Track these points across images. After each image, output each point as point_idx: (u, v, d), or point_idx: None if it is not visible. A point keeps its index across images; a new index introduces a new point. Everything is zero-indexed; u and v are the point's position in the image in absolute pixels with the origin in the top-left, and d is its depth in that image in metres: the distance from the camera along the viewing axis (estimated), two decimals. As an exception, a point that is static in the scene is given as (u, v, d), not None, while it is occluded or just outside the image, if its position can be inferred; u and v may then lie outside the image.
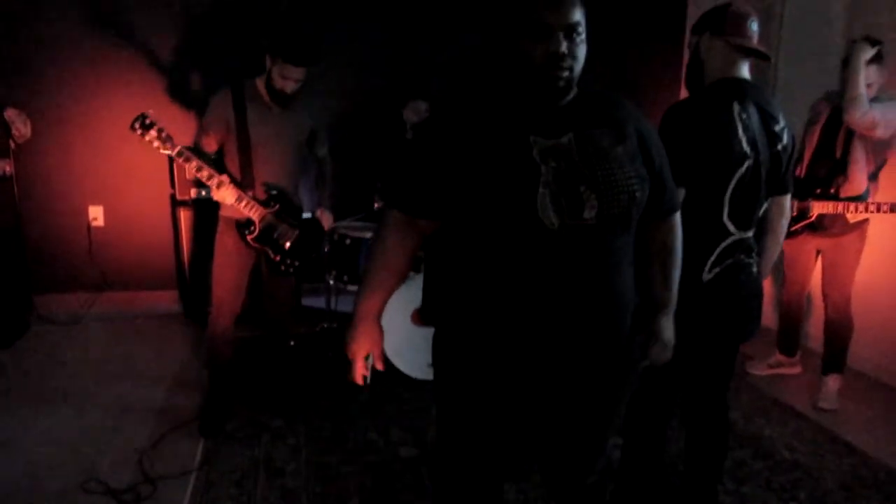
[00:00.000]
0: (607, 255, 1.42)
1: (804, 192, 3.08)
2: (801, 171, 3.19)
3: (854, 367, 3.57)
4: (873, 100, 2.88)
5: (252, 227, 2.76)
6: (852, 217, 3.01)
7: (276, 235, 2.83)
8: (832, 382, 3.21)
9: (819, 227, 3.09)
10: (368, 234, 3.58)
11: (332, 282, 3.71)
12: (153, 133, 2.52)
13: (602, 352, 1.49)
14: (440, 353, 1.57)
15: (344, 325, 3.93)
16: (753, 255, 1.99)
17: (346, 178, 4.49)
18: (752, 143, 1.86)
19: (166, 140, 2.55)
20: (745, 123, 1.85)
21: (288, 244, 2.88)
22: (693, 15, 4.76)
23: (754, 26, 1.93)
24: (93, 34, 4.00)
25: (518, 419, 1.56)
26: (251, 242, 2.77)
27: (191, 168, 2.59)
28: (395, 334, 3.28)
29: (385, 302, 1.57)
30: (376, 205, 3.80)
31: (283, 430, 2.87)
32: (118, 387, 3.24)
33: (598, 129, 1.42)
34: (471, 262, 1.44)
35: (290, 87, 2.69)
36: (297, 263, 2.94)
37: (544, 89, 1.37)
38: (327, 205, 3.12)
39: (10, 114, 3.69)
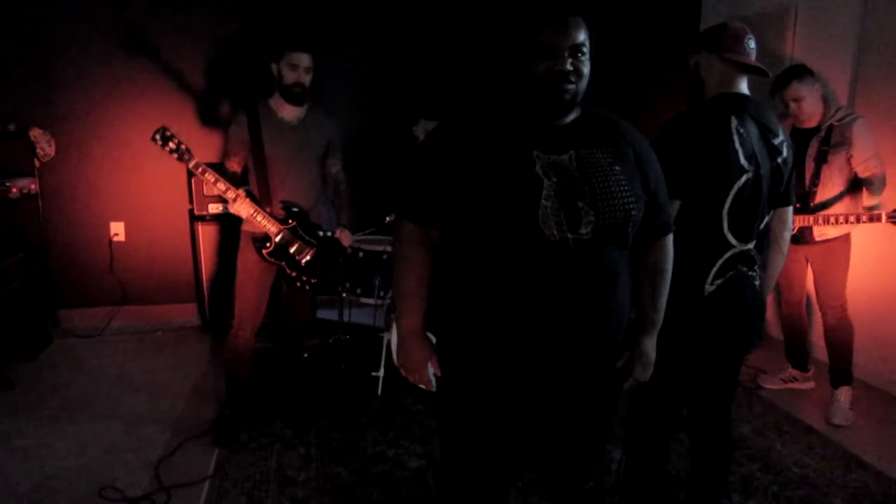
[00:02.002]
0: (603, 268, 1.47)
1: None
2: None
3: (865, 381, 3.55)
4: (843, 119, 3.04)
5: (268, 243, 2.81)
6: (833, 231, 3.12)
7: (292, 251, 2.87)
8: (843, 396, 3.19)
9: (801, 239, 3.17)
10: (381, 248, 3.64)
11: (345, 294, 3.77)
12: (172, 145, 2.61)
13: (596, 361, 1.55)
14: (443, 362, 1.60)
15: (357, 337, 4.01)
16: (756, 267, 2.00)
17: (357, 192, 4.58)
18: (751, 156, 1.88)
19: (185, 153, 2.63)
20: (742, 137, 1.88)
21: (304, 261, 2.92)
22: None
23: (752, 44, 1.98)
24: (115, 56, 4.12)
25: (518, 427, 1.60)
26: (266, 257, 2.82)
27: (208, 181, 2.66)
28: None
29: (424, 314, 1.59)
30: (388, 219, 3.86)
31: (294, 440, 2.92)
32: (136, 397, 3.32)
33: (598, 149, 1.48)
34: (473, 272, 1.49)
35: (301, 76, 2.75)
36: (313, 280, 2.97)
37: (549, 105, 1.44)
38: (345, 223, 3.13)
39: (35, 134, 3.83)
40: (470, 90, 4.65)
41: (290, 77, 2.75)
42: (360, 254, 3.66)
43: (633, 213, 1.47)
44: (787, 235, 2.13)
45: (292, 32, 2.74)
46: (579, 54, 1.41)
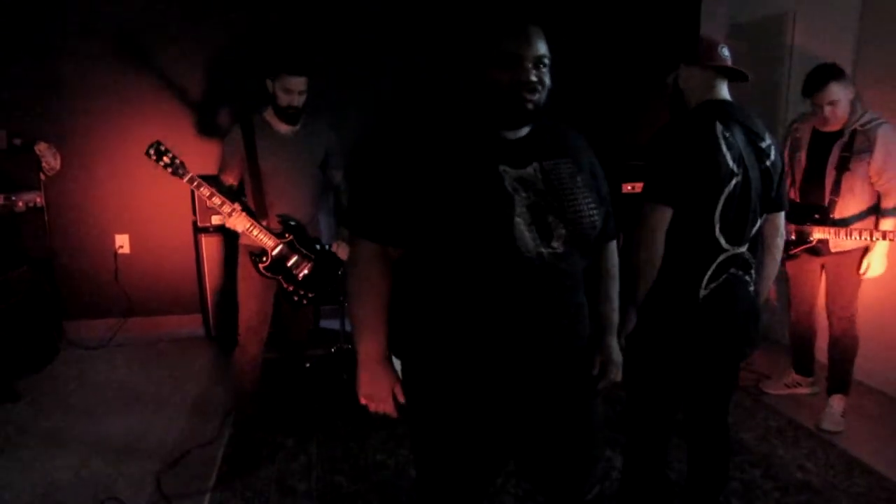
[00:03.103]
0: (574, 280, 1.49)
1: (802, 217, 3.09)
2: (794, 195, 3.19)
3: (868, 384, 3.53)
4: (867, 124, 2.91)
5: (265, 257, 2.78)
6: (851, 244, 3.00)
7: (289, 265, 2.83)
8: (836, 403, 3.16)
9: (818, 252, 3.09)
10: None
11: (346, 303, 3.78)
12: (166, 159, 2.61)
13: (570, 368, 1.55)
14: (413, 385, 1.54)
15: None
16: (751, 272, 2.00)
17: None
18: (739, 160, 1.89)
19: (179, 167, 2.62)
20: (728, 142, 1.89)
21: (301, 275, 2.87)
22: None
23: (725, 52, 2.01)
24: (118, 71, 4.17)
25: (497, 443, 1.56)
26: (263, 271, 2.79)
27: (203, 195, 2.64)
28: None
29: (387, 337, 1.53)
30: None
31: (296, 449, 2.93)
32: (140, 408, 3.34)
33: (559, 160, 1.48)
34: (443, 291, 1.45)
35: (295, 100, 2.73)
36: (310, 295, 2.93)
37: (512, 116, 1.42)
38: (344, 235, 3.03)
39: (41, 148, 3.89)
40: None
41: (283, 99, 2.73)
42: (362, 263, 3.68)
43: (598, 223, 1.50)
44: (780, 242, 2.14)
45: (288, 53, 2.71)
46: (541, 65, 1.41)
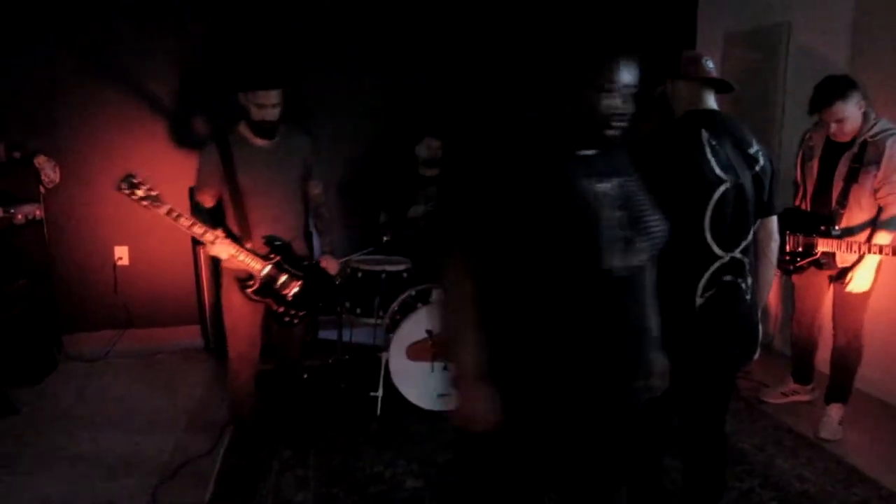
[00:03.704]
0: (651, 295, 1.53)
1: (810, 228, 3.07)
2: (806, 205, 3.19)
3: (866, 392, 3.52)
4: (878, 135, 2.88)
5: (252, 281, 2.67)
6: (855, 258, 2.95)
7: (277, 287, 2.73)
8: (834, 412, 3.15)
9: (823, 265, 3.06)
10: (380, 268, 3.66)
11: (344, 315, 3.79)
12: (140, 192, 2.48)
13: (646, 383, 1.57)
14: (514, 410, 1.45)
15: (356, 356, 4.01)
16: (747, 279, 2.00)
17: (357, 213, 4.62)
18: (727, 167, 1.91)
19: (154, 199, 2.50)
20: (715, 149, 1.91)
21: (291, 295, 2.77)
22: (702, 48, 4.83)
23: (709, 64, 2.06)
24: (116, 84, 4.21)
25: (571, 460, 1.56)
26: (251, 296, 2.69)
27: (183, 226, 2.51)
28: (405, 365, 3.35)
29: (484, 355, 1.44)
30: (385, 238, 3.89)
31: (292, 461, 2.93)
32: (138, 421, 3.34)
33: (626, 177, 1.52)
34: (532, 309, 1.43)
35: (269, 114, 2.62)
36: (301, 314, 2.83)
37: (599, 140, 1.46)
38: (330, 250, 2.98)
39: (40, 161, 3.91)
40: (472, 109, 4.70)
41: (257, 114, 2.61)
42: (359, 274, 3.69)
43: (665, 237, 1.52)
44: (774, 246, 2.14)
45: (258, 66, 2.66)
46: (632, 96, 1.46)
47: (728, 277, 1.95)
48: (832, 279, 3.15)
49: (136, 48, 4.21)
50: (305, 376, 3.52)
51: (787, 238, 3.11)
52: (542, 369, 1.44)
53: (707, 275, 1.93)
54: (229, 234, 2.63)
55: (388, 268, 3.69)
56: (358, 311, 3.69)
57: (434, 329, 3.37)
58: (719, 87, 2.06)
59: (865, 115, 2.92)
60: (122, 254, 4.40)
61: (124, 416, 3.40)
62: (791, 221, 3.11)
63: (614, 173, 1.49)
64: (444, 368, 3.39)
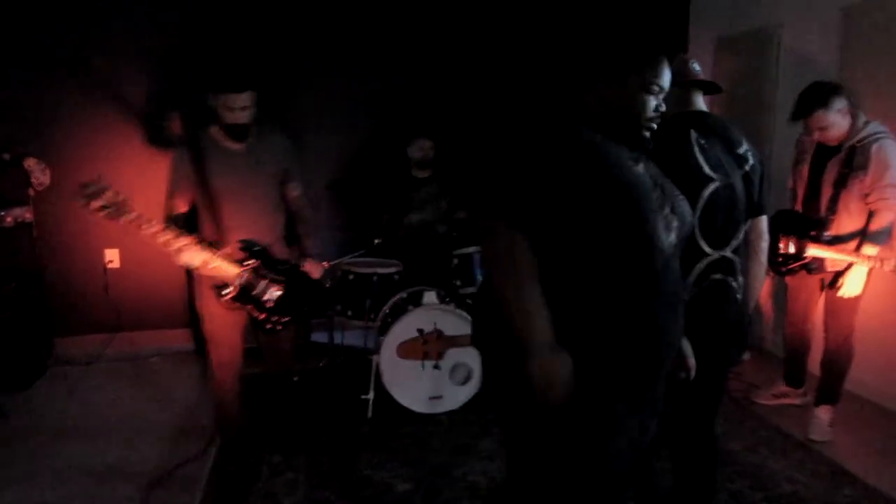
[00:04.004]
0: (680, 282, 1.57)
1: (802, 232, 3.07)
2: (799, 208, 3.20)
3: (857, 393, 3.53)
4: (865, 140, 2.87)
5: (228, 288, 2.55)
6: (836, 265, 2.97)
7: (256, 293, 2.61)
8: (823, 414, 3.16)
9: (813, 269, 3.06)
10: (371, 270, 3.66)
11: (335, 317, 3.78)
12: (101, 202, 2.28)
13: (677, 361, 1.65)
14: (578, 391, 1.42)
15: (348, 359, 4.00)
16: (738, 278, 2.01)
17: (348, 215, 4.62)
18: (716, 166, 1.93)
19: (118, 206, 2.31)
20: (703, 148, 1.93)
21: (272, 301, 2.66)
22: (694, 52, 4.84)
23: (696, 66, 2.10)
24: (107, 87, 4.19)
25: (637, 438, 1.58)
26: (229, 304, 2.57)
27: (147, 234, 2.35)
28: (396, 368, 3.35)
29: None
30: (376, 241, 3.88)
31: (282, 465, 2.92)
32: (128, 425, 3.32)
33: (651, 163, 1.59)
34: (586, 283, 1.45)
35: (240, 117, 2.52)
36: (284, 320, 2.72)
37: (638, 139, 1.54)
38: (312, 252, 2.87)
39: (30, 163, 3.88)
40: (465, 111, 4.71)
41: (227, 118, 2.52)
42: (351, 276, 3.69)
43: (690, 221, 1.60)
44: (765, 245, 2.15)
45: (227, 67, 2.54)
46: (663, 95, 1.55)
47: (718, 276, 1.96)
48: (824, 286, 3.16)
49: (124, 50, 4.19)
50: (296, 379, 3.50)
51: (780, 240, 3.12)
52: (598, 343, 1.44)
53: (696, 272, 1.95)
54: (203, 241, 2.48)
55: (380, 270, 3.69)
56: (349, 313, 3.68)
57: (425, 327, 3.37)
58: (707, 88, 2.08)
59: (854, 120, 2.92)
60: (112, 257, 4.38)
61: (114, 421, 3.38)
62: (785, 223, 3.12)
63: (641, 158, 1.55)
64: (435, 367, 3.39)
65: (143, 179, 4.17)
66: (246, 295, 2.59)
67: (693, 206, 1.89)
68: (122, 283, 4.40)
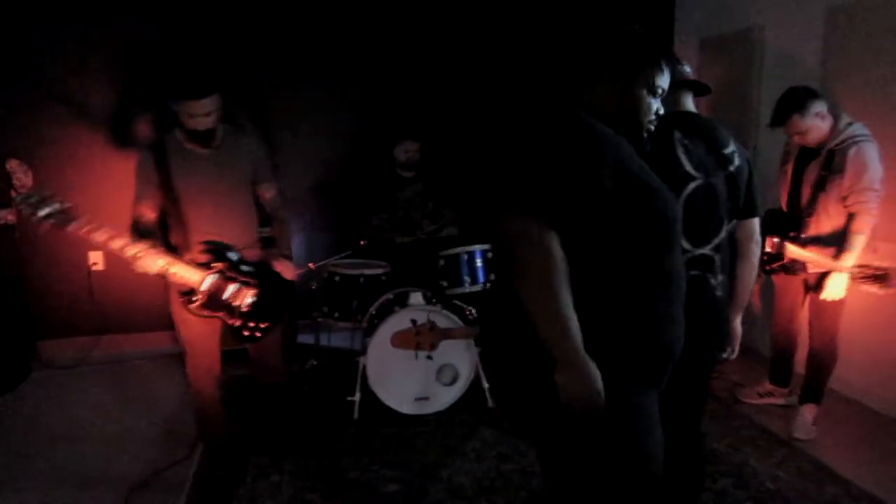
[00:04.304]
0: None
1: (784, 232, 3.11)
2: (784, 208, 3.23)
3: (842, 392, 3.56)
4: (843, 143, 2.90)
5: (195, 295, 2.43)
6: (819, 266, 2.99)
7: (226, 298, 2.49)
8: (807, 412, 3.18)
9: (790, 269, 3.09)
10: (357, 272, 3.65)
11: (321, 319, 3.77)
12: (42, 213, 2.17)
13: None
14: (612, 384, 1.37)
15: (334, 361, 3.99)
16: (717, 275, 2.02)
17: (334, 216, 4.61)
18: (699, 165, 1.96)
19: (60, 214, 2.20)
20: (687, 148, 1.96)
21: (246, 305, 2.53)
22: (678, 53, 4.87)
23: (686, 68, 2.13)
24: (89, 88, 4.17)
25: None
26: (197, 311, 2.44)
27: (98, 241, 2.25)
28: (383, 370, 3.34)
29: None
30: (362, 242, 3.87)
31: (268, 467, 2.90)
32: (112, 428, 3.30)
33: (644, 162, 1.59)
34: (624, 284, 1.42)
35: (202, 123, 2.42)
36: (262, 325, 2.59)
37: (638, 139, 1.54)
38: (286, 253, 2.76)
39: (12, 164, 3.86)
40: (451, 112, 4.72)
41: (189, 123, 2.42)
42: (337, 278, 3.68)
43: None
44: (755, 248, 2.16)
45: (187, 74, 2.42)
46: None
47: (695, 272, 1.98)
48: (808, 288, 3.19)
49: (109, 55, 4.17)
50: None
51: (766, 239, 3.16)
52: (624, 338, 1.42)
53: None
54: (159, 246, 2.37)
55: (367, 272, 3.68)
56: (336, 315, 3.67)
57: (419, 319, 3.36)
58: (696, 89, 2.12)
59: (835, 122, 2.95)
60: (96, 259, 4.34)
61: (98, 424, 3.36)
62: (771, 223, 3.16)
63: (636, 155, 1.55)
64: (428, 358, 3.37)
65: (128, 181, 4.17)
66: (215, 301, 2.47)
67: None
68: (107, 285, 4.36)
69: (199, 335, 2.58)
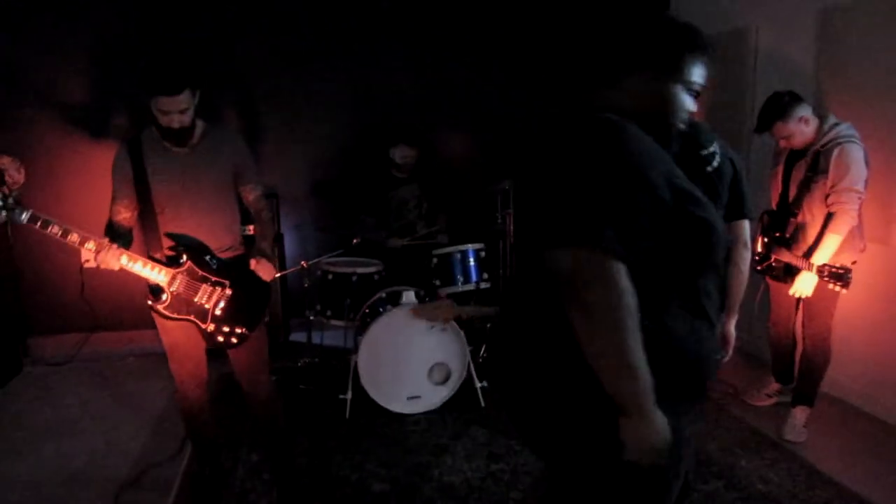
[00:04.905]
0: None
1: (770, 231, 3.13)
2: (773, 208, 3.23)
3: (834, 395, 3.56)
4: (828, 144, 2.91)
5: (163, 295, 2.30)
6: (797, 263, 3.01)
7: (196, 300, 2.34)
8: (799, 414, 3.18)
9: (774, 271, 3.12)
10: (350, 270, 3.65)
11: (313, 317, 3.76)
12: None
13: None
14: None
15: (326, 359, 3.98)
16: None
17: (330, 215, 4.61)
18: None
19: (8, 207, 2.10)
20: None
21: (219, 308, 2.37)
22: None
23: None
24: (83, 83, 4.16)
25: None
26: (165, 313, 2.31)
27: (54, 234, 2.14)
28: (375, 368, 3.33)
29: None
30: (355, 241, 3.87)
31: (259, 464, 2.89)
32: (101, 426, 3.29)
33: None
34: (680, 302, 1.31)
35: (175, 121, 2.25)
36: (239, 330, 2.40)
37: (669, 136, 1.39)
38: (265, 253, 2.53)
39: (5, 161, 3.81)
40: (448, 114, 4.71)
41: (163, 120, 2.25)
42: (330, 276, 3.67)
43: None
44: (746, 254, 2.15)
45: (158, 67, 2.21)
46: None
47: None
48: (773, 278, 3.21)
49: (105, 49, 4.15)
50: (274, 379, 3.47)
51: (758, 239, 3.19)
52: (683, 357, 1.30)
53: None
54: (116, 242, 2.25)
55: (360, 270, 3.67)
56: (329, 313, 3.66)
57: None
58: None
59: (821, 123, 2.96)
60: (89, 257, 4.30)
61: (88, 421, 3.34)
62: (768, 224, 3.20)
63: None
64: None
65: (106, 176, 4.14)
66: (184, 302, 2.33)
67: None
68: (98, 283, 4.34)
69: (179, 339, 2.43)
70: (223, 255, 2.43)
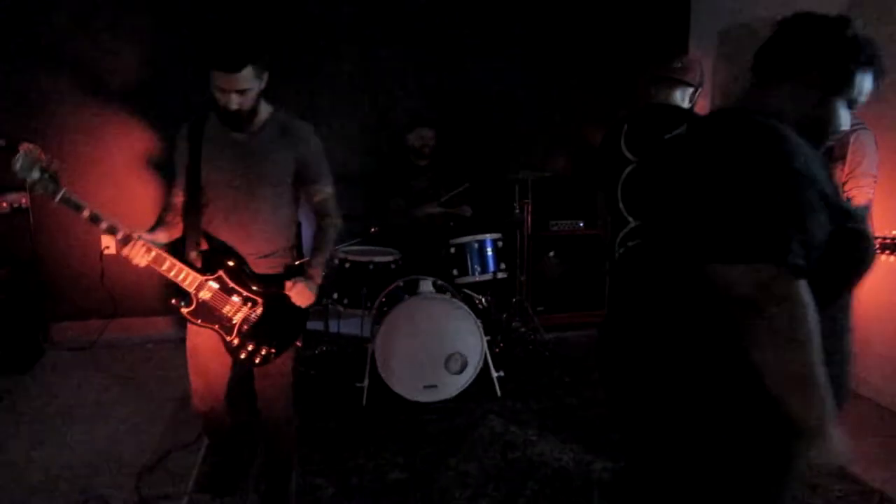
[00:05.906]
0: None
1: None
2: None
3: (856, 391, 3.51)
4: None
5: (189, 300, 2.17)
6: None
7: (223, 312, 2.19)
8: None
9: None
10: (367, 259, 3.65)
11: (331, 305, 3.77)
12: (35, 175, 1.98)
13: None
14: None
15: (343, 347, 3.99)
16: None
17: (346, 203, 4.59)
18: (635, 149, 2.38)
19: (48, 182, 2.01)
20: (627, 136, 2.41)
21: (250, 324, 2.21)
22: (695, 46, 4.82)
23: (676, 64, 2.51)
24: (104, 72, 4.17)
25: None
26: (190, 318, 2.19)
27: (83, 218, 2.05)
28: (391, 357, 3.34)
29: None
30: (373, 229, 3.86)
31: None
32: (123, 409, 3.33)
33: None
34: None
35: (232, 101, 2.07)
36: (263, 351, 2.24)
37: (818, 149, 1.32)
38: (307, 274, 2.24)
39: (26, 148, 3.86)
40: (464, 99, 4.69)
41: (220, 100, 2.09)
42: (347, 264, 3.67)
43: None
44: None
45: (221, 41, 2.05)
46: None
47: (637, 239, 2.27)
48: None
49: (120, 36, 4.17)
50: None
51: None
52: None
53: (620, 235, 2.39)
54: (178, 242, 2.17)
55: (377, 259, 3.68)
56: (345, 301, 3.67)
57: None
58: (672, 79, 2.46)
59: None
60: (109, 242, 4.36)
61: (109, 406, 3.38)
62: None
63: None
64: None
65: (141, 164, 4.17)
66: (209, 312, 2.19)
67: (616, 182, 2.39)
68: (118, 269, 4.38)
69: (200, 347, 2.29)
70: (265, 262, 2.25)
